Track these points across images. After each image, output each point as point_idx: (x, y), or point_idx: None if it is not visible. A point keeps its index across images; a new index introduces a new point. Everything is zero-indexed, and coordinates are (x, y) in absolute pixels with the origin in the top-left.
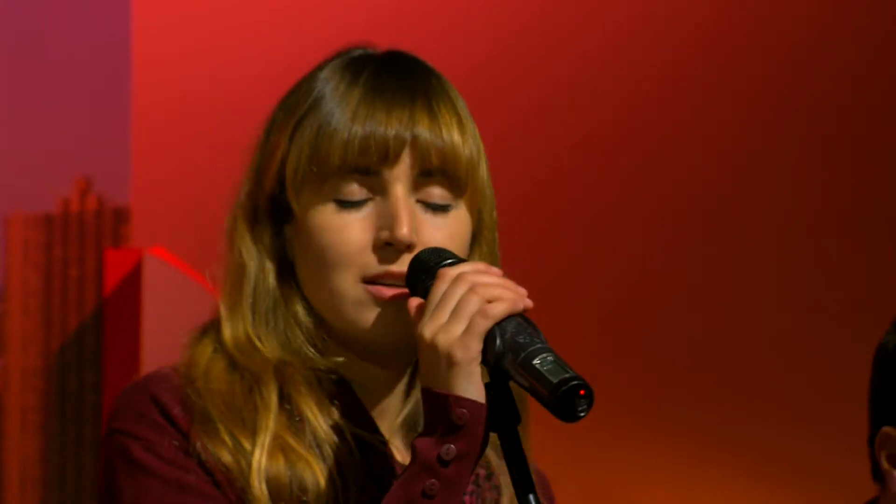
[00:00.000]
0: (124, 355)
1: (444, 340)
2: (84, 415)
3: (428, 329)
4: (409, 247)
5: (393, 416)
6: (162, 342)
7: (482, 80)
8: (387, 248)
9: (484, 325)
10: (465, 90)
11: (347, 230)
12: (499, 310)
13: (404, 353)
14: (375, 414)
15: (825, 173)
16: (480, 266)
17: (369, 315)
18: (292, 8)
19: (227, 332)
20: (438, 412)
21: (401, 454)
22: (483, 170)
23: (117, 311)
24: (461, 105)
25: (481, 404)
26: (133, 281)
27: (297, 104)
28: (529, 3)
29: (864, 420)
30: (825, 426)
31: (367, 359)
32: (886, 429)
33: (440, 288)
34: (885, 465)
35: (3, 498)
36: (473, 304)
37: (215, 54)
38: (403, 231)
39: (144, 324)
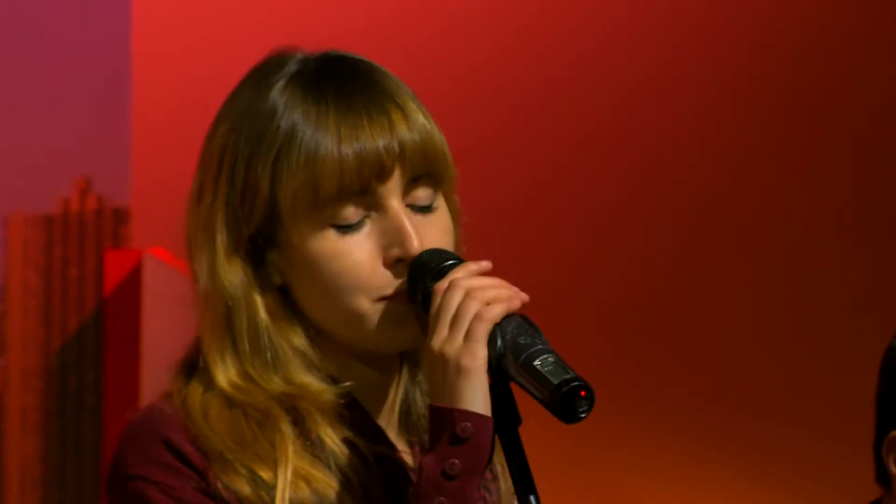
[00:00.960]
0: (124, 356)
1: (450, 350)
2: (84, 415)
3: (434, 342)
4: None
5: (393, 416)
6: (162, 343)
7: (482, 80)
8: (398, 264)
9: (484, 329)
10: (465, 90)
11: (354, 254)
12: (496, 311)
13: (401, 353)
14: (379, 421)
15: (825, 173)
16: (472, 267)
17: (388, 327)
18: (292, 8)
19: (219, 375)
20: (443, 426)
21: (408, 455)
22: (448, 150)
23: (117, 312)
24: (410, 91)
25: (487, 417)
26: (133, 281)
27: (260, 140)
28: (529, 3)
29: (864, 420)
30: (825, 426)
31: (373, 366)
32: (895, 433)
33: (437, 300)
34: (893, 469)
35: (3, 498)
36: (472, 309)
37: (215, 54)
38: (414, 245)
39: (144, 324)
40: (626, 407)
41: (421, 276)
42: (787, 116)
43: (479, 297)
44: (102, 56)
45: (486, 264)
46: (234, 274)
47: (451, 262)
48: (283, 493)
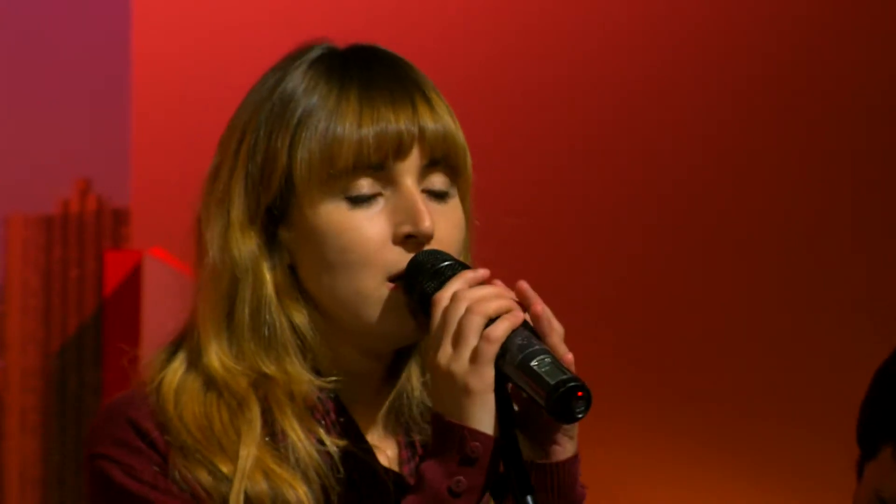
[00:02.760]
0: (124, 356)
1: (457, 370)
2: (83, 415)
3: (440, 358)
4: (429, 238)
5: (379, 411)
6: (161, 343)
7: (482, 81)
8: (408, 241)
9: (491, 351)
10: (466, 90)
11: (365, 228)
12: (501, 330)
13: (404, 352)
14: (361, 415)
15: (825, 173)
16: (469, 275)
17: (389, 313)
18: (292, 8)
19: (211, 349)
20: (452, 442)
21: (391, 452)
22: (468, 153)
23: (117, 312)
24: (440, 92)
25: (493, 438)
26: (133, 282)
27: (281, 116)
28: (529, 4)
29: None
30: (825, 426)
31: (369, 355)
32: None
33: (438, 312)
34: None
35: (2, 498)
36: (475, 326)
37: (215, 54)
38: (426, 223)
39: (144, 325)
40: (626, 407)
41: (416, 275)
42: (787, 116)
43: (480, 311)
44: (102, 56)
45: (483, 272)
46: (246, 245)
47: (446, 262)
48: (239, 484)
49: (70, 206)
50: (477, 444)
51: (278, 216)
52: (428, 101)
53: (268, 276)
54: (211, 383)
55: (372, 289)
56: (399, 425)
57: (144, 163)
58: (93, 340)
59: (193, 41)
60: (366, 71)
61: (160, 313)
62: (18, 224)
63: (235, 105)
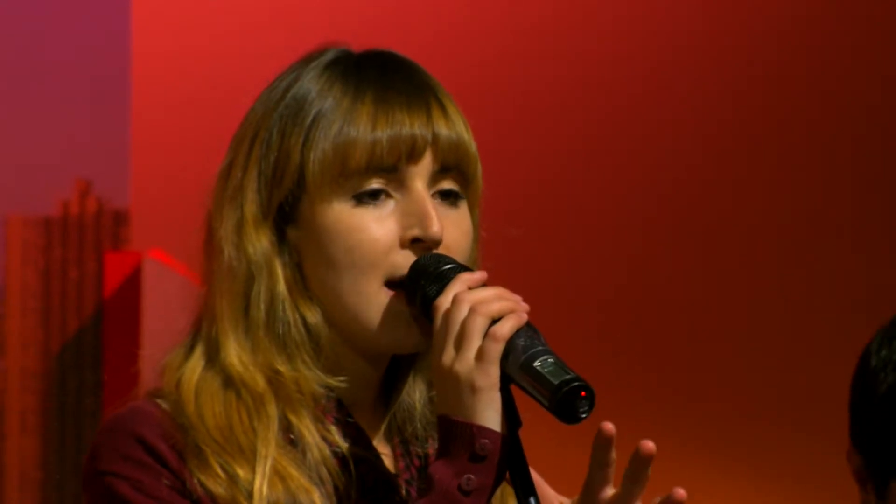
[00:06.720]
0: (123, 357)
1: (462, 369)
2: (83, 416)
3: (445, 360)
4: (437, 243)
5: (377, 418)
6: (161, 345)
7: (482, 81)
8: (414, 245)
9: (497, 350)
10: (465, 90)
11: (372, 230)
12: (507, 329)
13: (409, 361)
14: (361, 415)
15: (825, 173)
16: (466, 276)
17: (395, 323)
18: (292, 8)
19: (230, 346)
20: (461, 440)
21: (389, 459)
22: (479, 163)
23: (117, 314)
24: (455, 101)
25: (501, 435)
26: (133, 284)
27: (295, 115)
28: (529, 4)
29: None
30: (825, 427)
31: (369, 359)
32: (849, 448)
33: (440, 316)
34: (856, 480)
35: (2, 499)
36: (479, 326)
37: (215, 56)
38: (435, 228)
39: (144, 326)
40: (626, 407)
41: (418, 279)
42: (786, 116)
43: (483, 311)
44: (102, 57)
45: (481, 274)
46: (260, 242)
47: (448, 265)
48: (260, 488)
49: (70, 207)
50: (486, 440)
51: (288, 214)
52: (443, 108)
53: (280, 274)
54: (229, 381)
55: (373, 291)
56: (397, 437)
57: (144, 164)
58: (92, 342)
59: (193, 42)
60: (382, 75)
61: (160, 315)
62: (18, 225)
63: (235, 106)
